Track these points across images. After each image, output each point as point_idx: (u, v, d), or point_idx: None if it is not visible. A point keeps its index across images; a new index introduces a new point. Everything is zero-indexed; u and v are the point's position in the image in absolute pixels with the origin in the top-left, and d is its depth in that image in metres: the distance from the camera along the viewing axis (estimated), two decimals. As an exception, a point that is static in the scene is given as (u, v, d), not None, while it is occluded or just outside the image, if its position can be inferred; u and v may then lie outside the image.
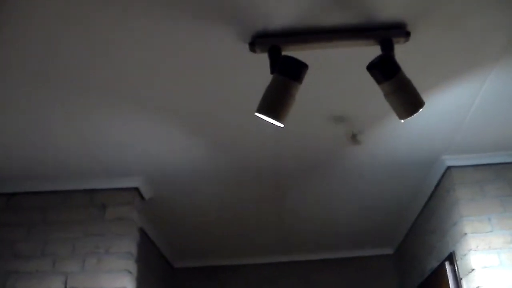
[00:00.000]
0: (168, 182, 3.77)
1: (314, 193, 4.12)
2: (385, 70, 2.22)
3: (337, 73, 2.66)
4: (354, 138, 3.27)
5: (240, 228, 4.80)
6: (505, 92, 2.93)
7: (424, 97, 2.86)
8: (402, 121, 2.38)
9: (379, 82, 2.26)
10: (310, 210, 4.47)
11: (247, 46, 2.39)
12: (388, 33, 2.32)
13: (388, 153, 3.53)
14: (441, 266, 3.88)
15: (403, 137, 3.33)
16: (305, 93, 2.75)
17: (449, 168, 3.67)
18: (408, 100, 2.28)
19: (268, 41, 2.34)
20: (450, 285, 3.68)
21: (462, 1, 2.23)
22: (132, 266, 3.52)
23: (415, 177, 3.97)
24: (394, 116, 2.81)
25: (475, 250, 3.40)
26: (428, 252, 4.34)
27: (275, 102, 2.23)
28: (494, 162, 3.64)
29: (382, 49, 2.31)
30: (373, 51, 2.33)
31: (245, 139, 3.26)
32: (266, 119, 2.26)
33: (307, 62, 2.27)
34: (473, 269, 3.37)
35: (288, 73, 2.22)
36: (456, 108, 3.06)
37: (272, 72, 2.28)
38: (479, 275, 3.33)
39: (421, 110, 2.32)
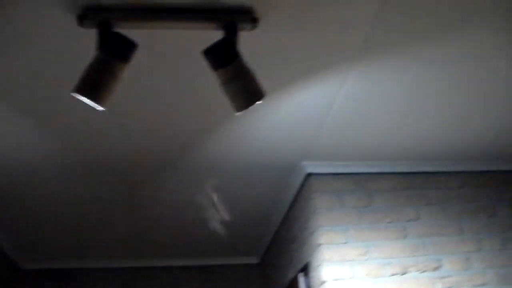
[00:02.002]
0: (10, 173, 3.36)
1: (169, 196, 3.85)
2: (222, 56, 2.01)
3: (180, 59, 2.41)
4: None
5: (95, 229, 4.43)
6: (364, 96, 2.80)
7: (280, 95, 2.69)
8: (237, 114, 2.17)
9: (214, 68, 2.04)
10: (168, 213, 4.19)
11: (75, 18, 2.10)
12: (233, 17, 2.10)
13: (246, 155, 3.32)
14: (296, 278, 3.73)
15: (259, 137, 3.12)
16: (145, 80, 2.51)
17: (309, 175, 3.53)
18: (245, 91, 2.07)
19: (99, 15, 2.05)
20: (303, 298, 3.54)
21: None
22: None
23: (277, 183, 3.79)
24: (248, 114, 2.51)
25: (328, 262, 3.28)
26: (288, 262, 4.19)
27: (94, 82, 1.95)
28: (354, 171, 3.54)
29: (226, 34, 2.09)
30: (217, 36, 2.10)
31: (87, 130, 2.93)
32: (84, 101, 1.99)
33: (141, 44, 2.02)
34: (324, 281, 3.23)
35: (112, 51, 1.95)
36: (314, 111, 2.90)
37: (97, 50, 2.01)
38: (330, 287, 3.20)
39: (259, 102, 2.11)
